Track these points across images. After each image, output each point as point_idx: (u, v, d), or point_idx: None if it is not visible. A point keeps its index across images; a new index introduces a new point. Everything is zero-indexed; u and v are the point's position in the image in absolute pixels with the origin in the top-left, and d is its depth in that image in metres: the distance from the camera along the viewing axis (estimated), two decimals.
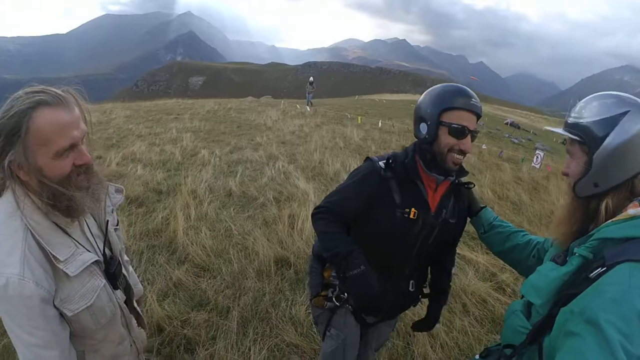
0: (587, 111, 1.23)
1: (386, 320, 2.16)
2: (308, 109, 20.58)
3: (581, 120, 1.23)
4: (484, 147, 14.54)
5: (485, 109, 56.08)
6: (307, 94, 25.20)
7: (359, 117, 17.03)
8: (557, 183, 10.37)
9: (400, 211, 1.77)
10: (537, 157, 13.84)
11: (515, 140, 23.60)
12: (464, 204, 1.93)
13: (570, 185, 1.30)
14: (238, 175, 7.16)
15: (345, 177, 2.16)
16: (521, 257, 1.75)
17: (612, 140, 1.15)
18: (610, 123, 1.16)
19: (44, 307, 1.21)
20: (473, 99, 1.63)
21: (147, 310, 3.33)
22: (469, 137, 1.67)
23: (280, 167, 7.96)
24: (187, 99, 26.83)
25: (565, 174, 1.33)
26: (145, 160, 8.13)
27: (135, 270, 4.03)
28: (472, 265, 4.52)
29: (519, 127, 37.62)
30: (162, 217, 5.20)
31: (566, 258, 1.22)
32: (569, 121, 1.28)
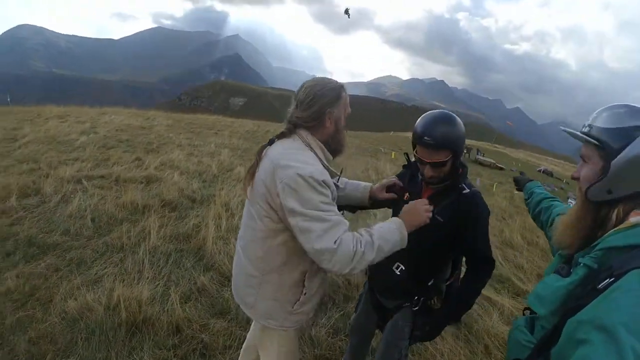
0: (608, 118, 1.24)
1: (381, 294, 2.40)
2: None
3: (602, 126, 1.24)
4: (515, 191, 14.46)
5: (519, 155, 55.76)
6: None
7: (393, 153, 17.10)
8: None
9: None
10: (569, 205, 13.60)
11: (548, 188, 23.44)
12: (460, 214, 2.02)
13: (581, 189, 1.31)
14: None
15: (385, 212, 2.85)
16: (542, 220, 2.04)
17: (631, 149, 1.16)
18: (631, 133, 1.17)
19: (331, 193, 1.75)
20: (426, 137, 1.93)
21: (167, 309, 3.41)
22: (427, 166, 2.02)
23: None
24: (227, 117, 27.40)
25: (576, 178, 1.34)
26: (182, 169, 8.35)
27: (160, 270, 4.13)
28: (497, 307, 4.43)
29: (551, 175, 37.28)
30: (193, 224, 5.31)
31: (570, 270, 1.23)
32: (588, 125, 1.29)
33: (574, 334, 1.01)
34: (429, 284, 2.19)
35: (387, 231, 1.76)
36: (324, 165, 1.80)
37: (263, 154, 1.88)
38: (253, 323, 2.43)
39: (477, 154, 33.32)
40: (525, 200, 2.28)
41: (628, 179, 1.19)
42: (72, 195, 6.08)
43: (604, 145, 1.22)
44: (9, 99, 26.04)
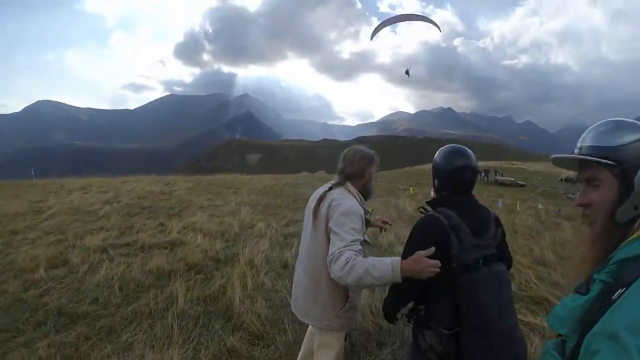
0: (616, 134, 1.22)
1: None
2: None
3: (612, 144, 1.22)
4: (540, 206, 14.25)
5: (539, 167, 55.38)
6: None
7: (411, 188, 17.01)
8: None
9: None
10: None
11: (572, 196, 22.87)
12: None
13: (599, 215, 1.24)
14: (294, 247, 7.18)
15: (400, 248, 3.16)
16: None
17: None
18: None
19: (362, 223, 2.42)
20: None
21: None
22: None
23: None
24: (245, 175, 27.71)
25: (585, 204, 1.28)
26: (205, 230, 8.41)
27: (190, 334, 4.12)
28: (538, 331, 4.27)
29: (575, 182, 36.50)
30: (219, 285, 5.31)
31: (588, 287, 1.21)
32: (593, 146, 1.26)
33: (589, 347, 1.00)
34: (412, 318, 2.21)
35: (380, 262, 2.09)
36: (360, 205, 2.54)
37: (326, 196, 2.59)
38: (305, 339, 3.19)
39: (496, 174, 32.99)
40: None
41: None
42: (99, 265, 6.20)
43: (621, 162, 1.19)
44: (33, 173, 26.83)
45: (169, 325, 4.27)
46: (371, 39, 15.80)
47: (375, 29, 15.70)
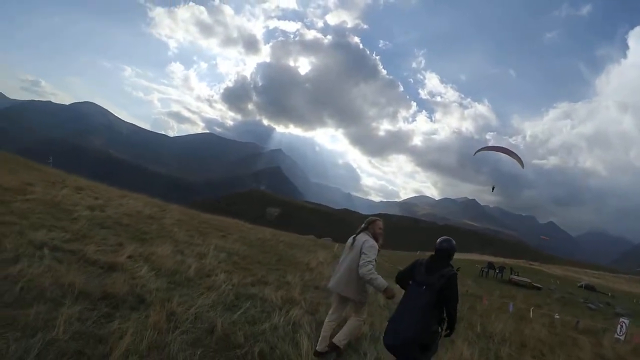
0: None
1: None
2: None
3: None
4: (556, 316, 12.99)
5: (557, 271, 53.75)
6: None
7: None
8: None
9: None
10: (621, 326, 11.55)
11: (592, 306, 21.02)
12: None
13: None
14: (238, 313, 6.02)
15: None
16: None
17: None
18: None
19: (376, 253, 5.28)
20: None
21: None
22: None
23: (294, 316, 6.44)
24: (249, 224, 26.78)
25: None
26: (157, 264, 7.48)
27: None
28: None
29: (594, 290, 33.89)
30: (115, 329, 4.36)
31: None
32: None
33: None
34: None
35: (383, 281, 4.93)
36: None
37: (357, 236, 5.33)
38: (333, 310, 5.55)
39: (512, 273, 30.65)
40: None
41: None
42: (24, 257, 5.68)
43: None
44: (50, 160, 27.25)
45: (28, 348, 3.52)
46: (474, 154, 19.15)
47: (478, 150, 19.40)
